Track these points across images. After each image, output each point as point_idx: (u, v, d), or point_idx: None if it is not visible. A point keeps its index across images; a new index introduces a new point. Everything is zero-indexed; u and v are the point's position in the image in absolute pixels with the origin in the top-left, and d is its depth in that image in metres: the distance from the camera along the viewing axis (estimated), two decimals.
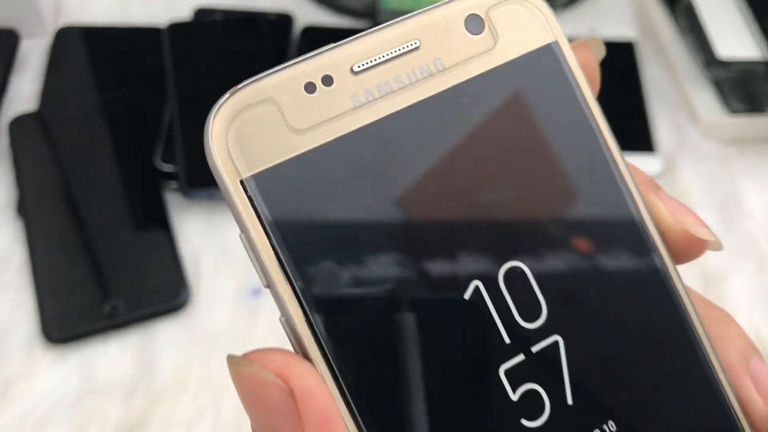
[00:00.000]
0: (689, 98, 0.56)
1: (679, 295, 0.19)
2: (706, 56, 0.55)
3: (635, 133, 0.54)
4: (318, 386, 0.16)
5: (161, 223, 0.48)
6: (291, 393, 0.16)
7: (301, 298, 0.16)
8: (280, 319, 0.17)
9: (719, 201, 0.52)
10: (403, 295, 0.17)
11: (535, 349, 0.17)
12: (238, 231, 0.17)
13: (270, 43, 0.55)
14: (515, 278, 0.18)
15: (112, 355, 0.44)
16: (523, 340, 0.17)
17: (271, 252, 0.16)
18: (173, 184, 0.50)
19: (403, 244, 0.17)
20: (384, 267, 0.17)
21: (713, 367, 0.19)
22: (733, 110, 0.55)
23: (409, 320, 0.17)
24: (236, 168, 0.16)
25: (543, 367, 0.17)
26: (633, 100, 0.55)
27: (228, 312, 0.46)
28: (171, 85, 0.52)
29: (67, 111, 0.52)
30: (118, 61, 0.56)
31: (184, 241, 0.48)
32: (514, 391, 0.17)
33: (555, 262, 0.18)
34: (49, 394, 0.43)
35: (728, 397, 0.19)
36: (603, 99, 0.20)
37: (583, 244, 0.19)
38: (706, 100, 0.56)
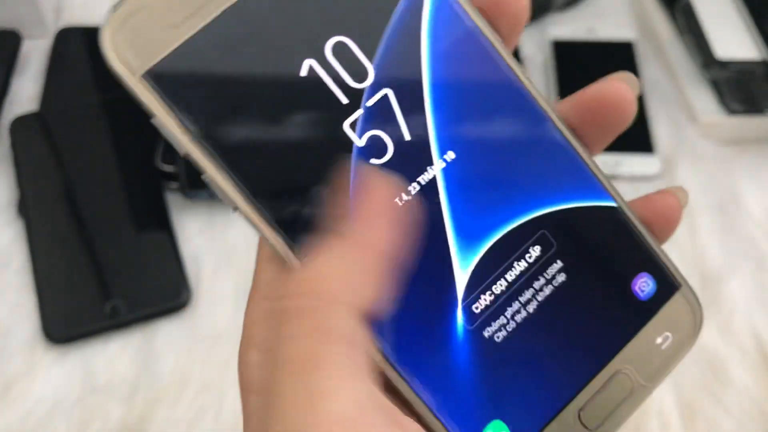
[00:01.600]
0: (688, 99, 0.56)
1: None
2: (705, 57, 0.55)
3: (634, 133, 0.54)
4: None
5: (162, 224, 0.49)
6: None
7: (211, 151, 0.20)
8: (203, 177, 0.20)
9: (718, 201, 0.52)
10: (279, 102, 0.21)
11: (369, 103, 0.21)
12: (150, 119, 0.20)
13: None
14: (341, 50, 0.21)
15: (113, 355, 0.45)
16: (357, 98, 0.21)
17: (179, 124, 0.20)
18: (174, 185, 0.50)
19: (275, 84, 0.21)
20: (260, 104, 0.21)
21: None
22: (732, 110, 0.55)
23: (279, 111, 0.21)
24: (133, 68, 0.20)
25: (380, 116, 0.21)
26: None
27: (228, 312, 0.46)
28: None
29: (68, 111, 0.52)
30: None
31: (185, 242, 0.48)
32: (360, 138, 0.21)
33: (375, 32, 0.22)
34: (49, 393, 0.43)
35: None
36: None
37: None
38: (704, 101, 0.56)
